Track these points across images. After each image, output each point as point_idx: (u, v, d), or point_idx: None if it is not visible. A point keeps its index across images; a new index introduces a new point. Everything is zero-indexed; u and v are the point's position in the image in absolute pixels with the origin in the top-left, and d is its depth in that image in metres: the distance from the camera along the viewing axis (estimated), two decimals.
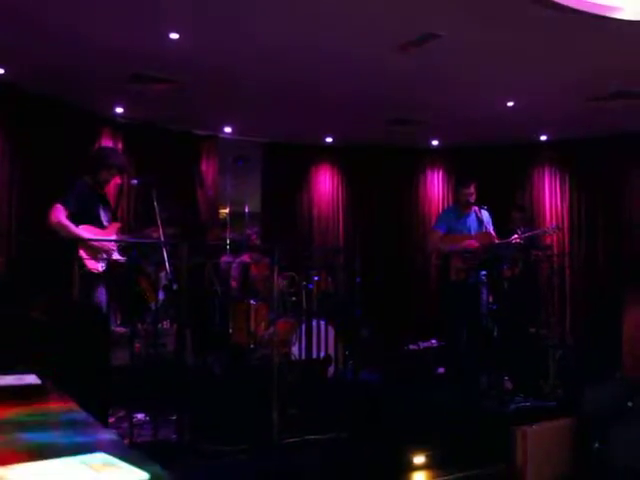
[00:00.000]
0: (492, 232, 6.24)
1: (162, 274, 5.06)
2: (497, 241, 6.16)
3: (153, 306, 5.16)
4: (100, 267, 4.80)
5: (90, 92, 7.00)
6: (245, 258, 6.90)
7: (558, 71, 6.32)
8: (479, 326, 5.98)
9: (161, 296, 5.19)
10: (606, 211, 8.92)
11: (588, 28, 5.33)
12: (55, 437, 1.32)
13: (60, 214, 4.75)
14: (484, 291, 6.03)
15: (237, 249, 7.04)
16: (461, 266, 6.09)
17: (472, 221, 6.36)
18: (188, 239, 5.19)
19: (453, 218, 6.44)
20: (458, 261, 6.11)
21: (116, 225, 5.15)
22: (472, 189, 6.36)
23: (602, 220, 8.95)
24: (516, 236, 6.31)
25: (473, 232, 6.32)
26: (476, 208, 6.32)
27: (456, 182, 6.64)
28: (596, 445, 4.68)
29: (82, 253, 4.66)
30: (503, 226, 6.80)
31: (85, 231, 4.84)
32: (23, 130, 6.82)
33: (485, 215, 6.33)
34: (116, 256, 4.98)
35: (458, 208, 6.54)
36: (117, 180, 5.30)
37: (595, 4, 5.02)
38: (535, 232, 6.76)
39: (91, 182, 5.07)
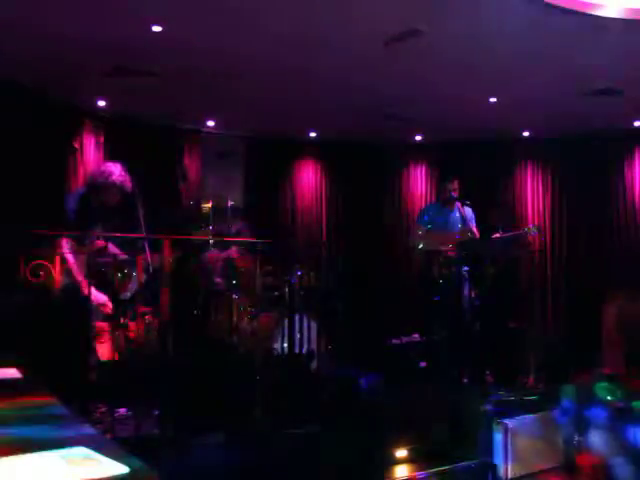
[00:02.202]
0: (475, 229, 6.28)
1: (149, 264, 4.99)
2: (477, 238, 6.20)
3: (125, 296, 5.11)
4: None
5: (71, 85, 6.93)
6: (232, 253, 6.88)
7: (541, 68, 6.35)
8: (461, 321, 6.01)
9: (133, 286, 5.13)
10: (588, 208, 8.97)
11: (572, 25, 5.35)
12: (36, 431, 1.31)
13: (68, 254, 4.70)
14: (466, 286, 6.07)
15: (222, 244, 7.01)
16: (443, 261, 6.12)
17: (455, 217, 6.39)
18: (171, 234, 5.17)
19: (436, 213, 6.48)
20: (440, 256, 6.14)
21: (99, 243, 5.06)
22: (455, 185, 6.40)
23: (584, 217, 8.99)
24: (497, 235, 6.34)
25: (456, 229, 6.35)
26: (459, 204, 6.35)
27: (440, 177, 6.68)
28: (576, 439, 4.72)
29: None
30: (484, 223, 6.84)
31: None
32: None
33: (468, 212, 6.37)
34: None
35: (441, 204, 6.57)
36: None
37: (579, 1, 5.05)
38: (515, 233, 6.76)
39: (93, 199, 5.00)
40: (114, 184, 4.99)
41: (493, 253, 6.28)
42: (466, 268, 6.06)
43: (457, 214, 6.38)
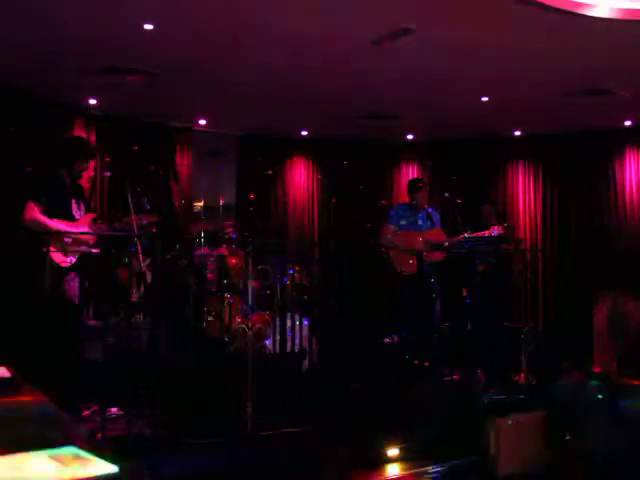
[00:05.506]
0: (441, 230, 6.51)
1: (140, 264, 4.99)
2: (446, 238, 6.39)
3: (135, 297, 5.11)
4: (69, 261, 4.71)
5: (62, 83, 6.89)
6: (222, 251, 6.87)
7: (532, 67, 6.36)
8: (451, 320, 6.05)
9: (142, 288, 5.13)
10: (579, 206, 8.99)
11: (563, 24, 5.36)
12: (25, 431, 1.31)
13: (34, 211, 4.69)
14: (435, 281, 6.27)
15: (213, 242, 7.00)
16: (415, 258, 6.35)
17: (423, 219, 6.73)
18: (163, 232, 5.16)
19: (406, 215, 6.84)
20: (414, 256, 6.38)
21: (89, 216, 5.04)
22: (424, 192, 6.87)
23: (575, 215, 9.02)
24: (465, 234, 6.29)
25: (424, 229, 6.67)
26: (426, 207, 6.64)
27: (409, 187, 6.96)
28: (567, 437, 4.73)
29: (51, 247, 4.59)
30: (476, 220, 6.87)
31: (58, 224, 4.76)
32: None
33: (435, 214, 6.76)
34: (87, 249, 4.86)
35: (411, 207, 6.82)
36: (90, 172, 5.23)
37: (569, 1, 5.06)
38: (481, 234, 6.62)
39: (66, 174, 4.97)
40: (80, 139, 4.98)
41: (484, 250, 6.33)
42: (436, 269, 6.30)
43: (425, 216, 6.71)
